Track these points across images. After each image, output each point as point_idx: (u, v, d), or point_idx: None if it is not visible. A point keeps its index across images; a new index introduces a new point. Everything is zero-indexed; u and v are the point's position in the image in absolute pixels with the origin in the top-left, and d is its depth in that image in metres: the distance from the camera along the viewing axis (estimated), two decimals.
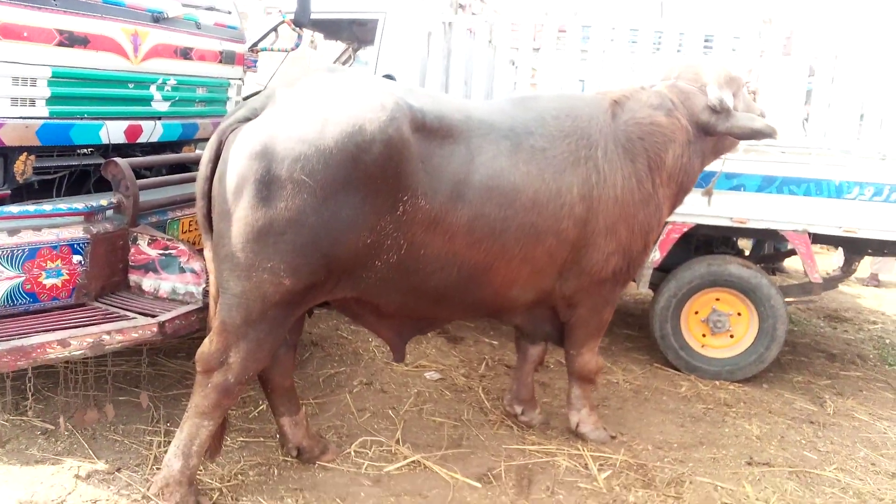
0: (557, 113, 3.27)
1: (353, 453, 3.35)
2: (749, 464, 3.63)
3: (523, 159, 3.06)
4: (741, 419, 4.19)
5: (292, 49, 4.76)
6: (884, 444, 4.02)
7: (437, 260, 2.93)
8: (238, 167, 2.56)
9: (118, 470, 3.05)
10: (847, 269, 5.56)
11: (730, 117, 3.52)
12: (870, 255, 5.67)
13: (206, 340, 2.71)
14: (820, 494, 3.38)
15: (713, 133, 3.54)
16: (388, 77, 5.26)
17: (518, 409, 3.81)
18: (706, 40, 5.15)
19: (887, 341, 6.28)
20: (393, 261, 2.84)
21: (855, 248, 5.30)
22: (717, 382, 4.73)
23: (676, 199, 3.65)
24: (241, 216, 2.55)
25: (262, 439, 3.43)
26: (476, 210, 2.92)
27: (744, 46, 4.94)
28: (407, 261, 2.87)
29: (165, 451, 2.99)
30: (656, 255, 4.80)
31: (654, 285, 5.02)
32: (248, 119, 2.69)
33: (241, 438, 3.40)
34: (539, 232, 3.08)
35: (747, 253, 6.55)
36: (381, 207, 2.71)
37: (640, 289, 5.01)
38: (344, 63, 7.27)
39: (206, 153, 2.72)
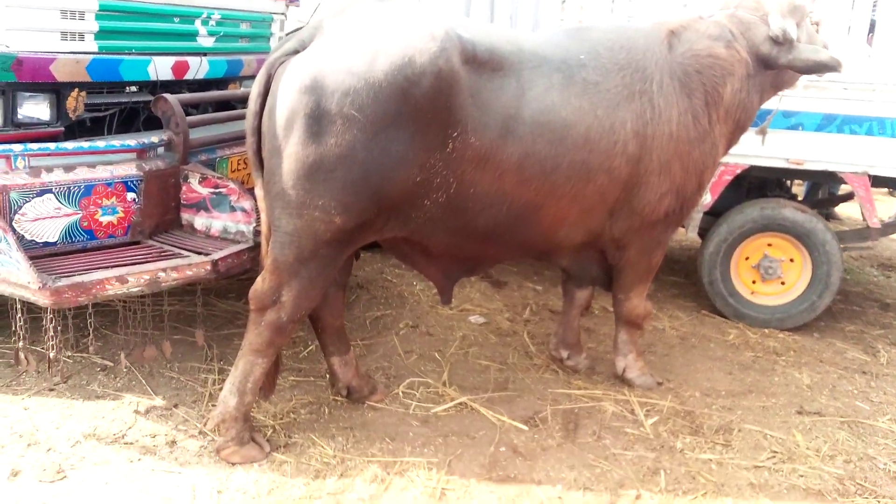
0: (612, 45, 3.13)
1: (401, 394, 3.39)
2: (799, 413, 3.57)
3: (575, 93, 2.95)
4: (791, 368, 4.10)
5: None
6: None
7: (486, 198, 2.87)
8: (288, 101, 2.51)
9: (175, 406, 3.14)
10: None
11: (792, 49, 3.32)
12: None
13: (259, 279, 2.72)
14: (872, 445, 3.32)
15: (774, 66, 3.35)
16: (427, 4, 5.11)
17: (564, 354, 3.79)
18: None
19: None
20: (442, 200, 2.79)
21: None
22: (767, 331, 4.62)
23: (733, 138, 3.50)
24: (291, 152, 2.52)
25: (312, 379, 3.48)
26: (526, 147, 2.84)
27: None
28: (456, 199, 2.82)
29: (220, 389, 3.06)
30: (707, 199, 4.65)
31: (703, 231, 4.88)
32: (296, 51, 2.63)
33: (293, 378, 3.46)
34: (590, 170, 2.99)
35: (800, 197, 6.33)
36: (432, 144, 2.65)
37: (688, 234, 4.88)
38: None
39: (254, 87, 2.67)
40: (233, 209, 3.16)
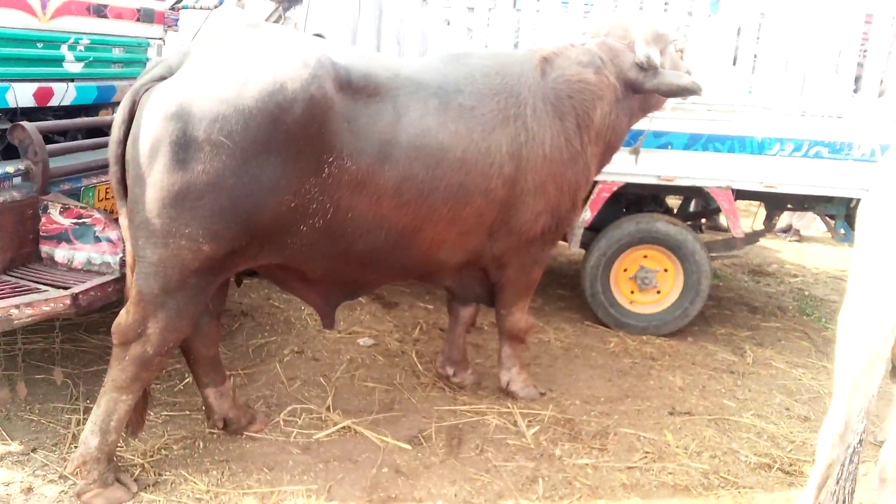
0: (487, 70, 3.23)
1: (282, 422, 3.33)
2: (671, 414, 3.77)
3: (451, 118, 3.02)
4: (665, 371, 4.33)
5: (216, 7, 4.55)
6: (798, 391, 4.23)
7: (365, 223, 2.88)
8: (152, 129, 2.45)
9: (33, 450, 2.95)
10: (768, 225, 5.76)
11: (657, 75, 3.54)
12: (789, 210, 5.89)
13: (123, 311, 2.61)
14: (736, 439, 3.54)
15: (641, 90, 3.56)
16: (318, 36, 5.10)
17: (450, 371, 3.84)
18: None
19: (806, 293, 6.57)
20: (319, 225, 2.78)
21: (776, 204, 5.49)
22: (645, 337, 4.87)
23: (604, 158, 3.68)
24: (156, 180, 2.44)
25: (187, 412, 3.36)
26: (403, 171, 2.88)
27: (673, 4, 4.97)
28: (333, 225, 2.81)
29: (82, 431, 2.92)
30: (587, 215, 4.86)
31: (585, 245, 5.10)
32: (163, 78, 2.57)
33: (166, 412, 3.33)
34: (468, 192, 3.07)
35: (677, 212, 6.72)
36: (306, 169, 2.64)
37: (571, 248, 5.08)
38: (275, 23, 7.01)
39: (118, 114, 2.59)
40: (97, 240, 3.02)
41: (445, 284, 3.57)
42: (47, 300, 2.68)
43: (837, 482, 2.46)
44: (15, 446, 2.95)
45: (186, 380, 3.58)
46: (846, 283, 6.85)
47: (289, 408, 3.44)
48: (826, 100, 4.78)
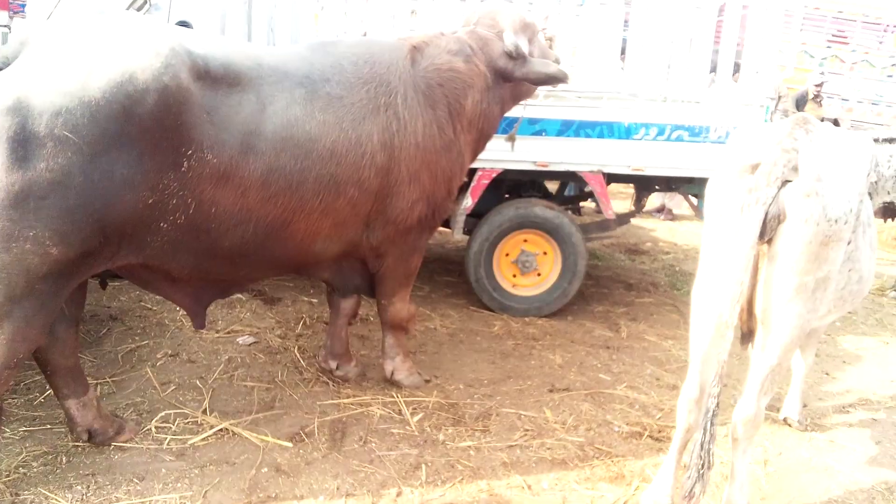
0: (356, 59, 3.19)
1: (153, 429, 3.17)
2: (550, 391, 3.90)
3: (319, 107, 2.97)
4: (546, 350, 4.48)
5: None
6: (667, 361, 4.49)
7: (231, 217, 2.78)
8: None
9: None
10: (638, 206, 6.07)
11: (525, 63, 3.63)
12: (657, 191, 6.22)
13: None
14: (610, 411, 3.72)
15: (511, 79, 3.64)
16: (184, 24, 4.86)
17: (333, 364, 3.80)
18: None
19: (677, 269, 6.99)
20: (181, 221, 2.66)
21: (644, 186, 5.78)
22: (528, 319, 5.02)
23: (478, 145, 3.74)
24: None
25: (48, 426, 3.14)
26: (270, 162, 2.80)
27: None
28: (197, 220, 2.70)
29: None
30: (468, 202, 4.93)
31: (469, 231, 5.17)
32: None
33: (24, 428, 3.10)
34: (339, 183, 3.03)
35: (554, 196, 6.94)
36: (163, 164, 2.52)
37: (455, 235, 5.15)
38: (138, 10, 6.60)
39: None
40: None
41: (323, 277, 3.52)
42: None
43: (700, 443, 2.63)
44: None
45: (47, 392, 3.34)
46: None
47: (161, 413, 3.28)
48: (686, 86, 5.07)
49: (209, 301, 3.18)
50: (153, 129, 2.46)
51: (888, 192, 4.90)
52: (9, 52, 2.43)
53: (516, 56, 3.58)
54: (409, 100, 3.28)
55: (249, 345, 4.19)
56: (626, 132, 4.99)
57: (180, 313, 4.52)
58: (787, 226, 2.54)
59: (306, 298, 5.08)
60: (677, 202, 9.70)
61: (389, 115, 3.20)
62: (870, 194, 3.16)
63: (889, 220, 6.88)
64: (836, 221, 2.55)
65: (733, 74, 5.17)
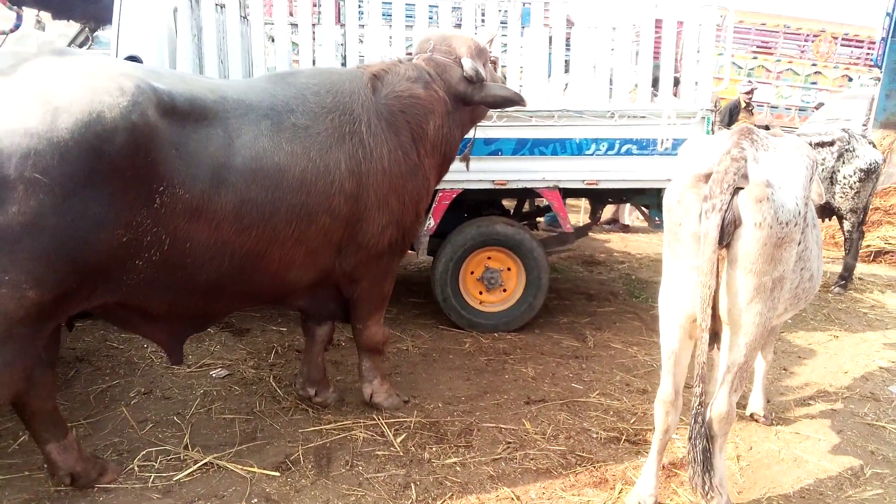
0: (318, 89, 3.26)
1: (136, 468, 3.13)
2: (527, 403, 4.00)
3: (286, 138, 3.02)
4: (518, 364, 4.58)
5: (11, 31, 4.18)
6: (635, 367, 4.64)
7: (206, 251, 2.80)
8: None
9: None
10: (594, 218, 6.27)
11: (483, 87, 3.76)
12: (611, 203, 6.43)
13: None
14: (587, 419, 3.83)
15: (470, 102, 3.76)
16: (134, 59, 4.85)
17: (311, 392, 3.81)
18: (454, 10, 5.40)
19: (633, 277, 7.21)
20: (156, 258, 2.67)
21: (598, 199, 5.98)
22: (497, 334, 5.13)
23: (442, 168, 3.83)
24: None
25: (27, 473, 3.06)
26: (241, 195, 2.83)
27: (487, 17, 5.26)
28: (172, 256, 2.71)
29: None
30: (431, 223, 5.02)
31: (432, 252, 5.26)
32: None
33: (1, 476, 3.00)
34: (311, 211, 3.07)
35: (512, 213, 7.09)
36: (135, 201, 2.53)
37: (419, 256, 5.21)
38: (81, 45, 6.53)
39: None
40: None
41: (299, 305, 3.54)
42: None
43: (690, 440, 2.76)
44: None
45: (21, 438, 3.26)
46: None
47: (142, 452, 3.24)
48: (630, 101, 5.29)
49: (186, 336, 3.17)
50: (124, 168, 2.46)
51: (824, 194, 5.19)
52: None
53: (476, 80, 3.71)
54: (374, 127, 3.35)
55: (223, 377, 4.16)
56: (578, 148, 5.17)
57: (149, 350, 4.46)
58: (743, 230, 2.70)
59: (275, 328, 5.07)
60: (627, 214, 10.03)
61: (355, 142, 3.27)
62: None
63: (826, 219, 7.27)
64: (786, 224, 2.72)
65: (673, 88, 5.43)
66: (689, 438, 2.79)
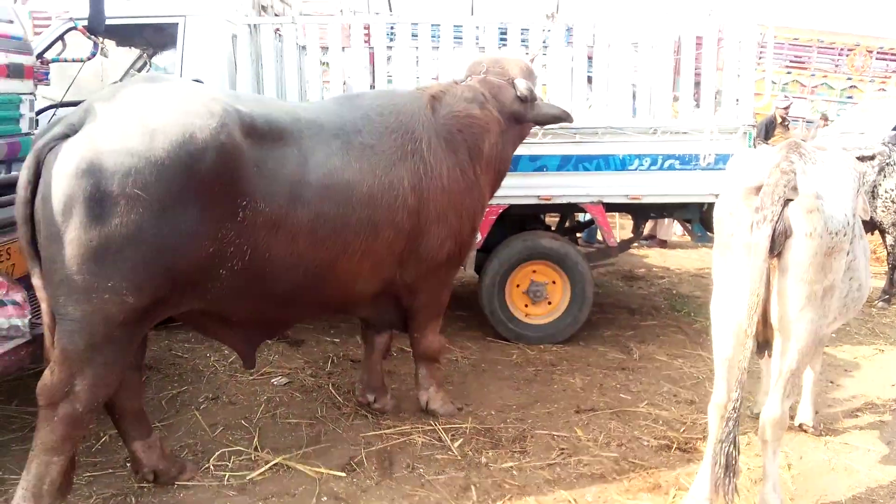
0: (381, 110, 3.46)
1: (212, 467, 3.32)
2: (577, 412, 4.11)
3: (355, 157, 3.21)
4: (566, 375, 4.69)
5: (88, 58, 4.47)
6: (681, 378, 4.72)
7: (283, 262, 2.99)
8: (64, 187, 2.45)
9: None
10: (636, 232, 6.36)
11: (535, 106, 3.94)
12: (653, 218, 6.52)
13: (47, 371, 2.56)
14: (637, 427, 3.93)
15: (523, 121, 3.94)
16: (197, 82, 5.12)
17: (371, 398, 3.97)
18: (501, 33, 5.59)
19: (674, 292, 7.27)
20: (238, 268, 2.86)
21: (641, 213, 6.08)
22: (542, 346, 5.24)
23: (495, 185, 4.01)
24: (73, 237, 2.44)
25: (111, 470, 3.27)
26: (315, 209, 3.02)
27: (531, 39, 5.44)
28: (252, 266, 2.90)
29: (6, 500, 2.81)
30: (478, 237, 5.17)
31: (478, 268, 5.42)
32: (66, 136, 2.57)
33: (88, 473, 3.22)
34: (377, 225, 3.26)
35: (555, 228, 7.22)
36: (221, 215, 2.73)
37: (466, 271, 5.37)
38: (139, 70, 6.89)
39: (23, 175, 2.55)
40: (2, 303, 2.92)
41: (362, 315, 3.73)
42: None
43: (719, 442, 2.84)
44: None
45: (103, 438, 3.48)
46: (706, 280, 7.64)
47: (216, 453, 3.43)
48: (671, 118, 5.41)
49: (259, 342, 3.37)
50: (212, 184, 2.67)
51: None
52: (75, 119, 2.64)
53: (530, 100, 3.88)
54: (433, 146, 3.54)
55: (284, 385, 4.36)
56: (622, 164, 5.29)
57: (211, 359, 4.69)
58: (794, 240, 2.81)
59: (328, 339, 5.26)
60: (665, 230, 10.08)
61: (416, 160, 3.45)
62: None
63: (868, 234, 7.25)
64: (836, 234, 2.82)
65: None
66: (718, 441, 2.85)
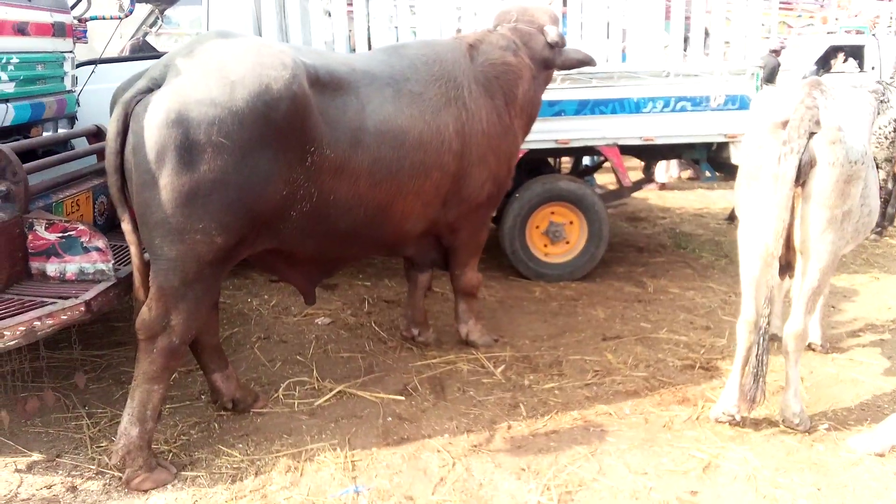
0: (426, 59, 3.64)
1: (281, 397, 3.60)
2: (604, 339, 4.42)
3: (406, 103, 3.41)
4: (588, 308, 5.00)
5: (126, 15, 4.56)
6: (695, 308, 5.04)
7: (345, 203, 3.22)
8: (156, 136, 2.63)
9: (59, 456, 3.05)
10: (647, 174, 6.62)
11: (562, 52, 4.12)
12: (662, 158, 6.75)
13: (145, 308, 2.79)
14: (661, 351, 4.25)
15: (552, 67, 4.13)
16: None
17: (415, 332, 4.26)
18: None
19: (677, 231, 7.57)
20: (306, 209, 3.09)
21: (652, 155, 6.32)
22: (562, 283, 5.53)
23: (527, 128, 4.22)
24: (167, 183, 2.64)
25: (188, 402, 3.55)
26: (374, 153, 3.24)
27: None
28: (318, 208, 3.13)
29: (98, 432, 3.16)
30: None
31: (500, 210, 5.65)
32: (150, 90, 2.75)
33: (168, 406, 3.47)
34: (427, 167, 3.48)
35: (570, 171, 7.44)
36: (293, 160, 2.94)
37: None
38: (151, 25, 6.93)
39: (112, 127, 2.73)
40: (86, 250, 3.13)
41: (408, 254, 3.97)
42: (64, 310, 2.80)
43: (756, 356, 3.17)
44: (37, 456, 3.03)
45: (174, 375, 3.73)
46: (706, 219, 7.90)
47: (282, 384, 3.71)
48: (682, 61, 5.59)
49: (319, 280, 3.62)
50: (286, 131, 2.87)
51: None
52: (156, 73, 2.81)
53: (559, 45, 4.06)
54: (474, 92, 3.73)
55: (328, 324, 4.62)
56: (636, 107, 5.50)
57: (255, 303, 4.94)
58: (818, 169, 3.08)
59: (359, 282, 5.52)
60: (661, 172, 10.33)
61: (459, 106, 3.65)
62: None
63: None
64: (855, 163, 3.10)
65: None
66: (756, 355, 3.17)
